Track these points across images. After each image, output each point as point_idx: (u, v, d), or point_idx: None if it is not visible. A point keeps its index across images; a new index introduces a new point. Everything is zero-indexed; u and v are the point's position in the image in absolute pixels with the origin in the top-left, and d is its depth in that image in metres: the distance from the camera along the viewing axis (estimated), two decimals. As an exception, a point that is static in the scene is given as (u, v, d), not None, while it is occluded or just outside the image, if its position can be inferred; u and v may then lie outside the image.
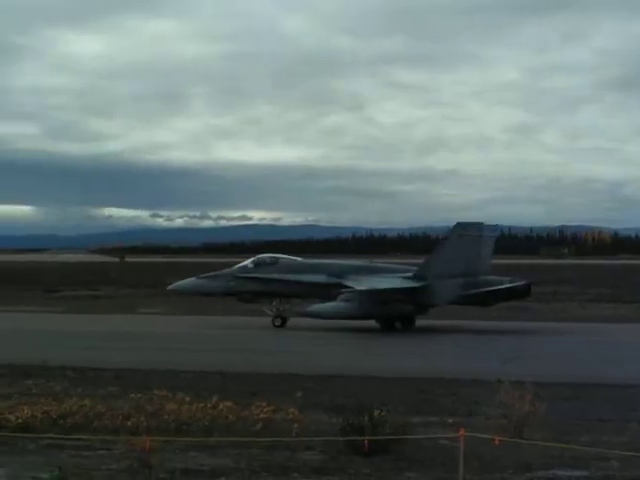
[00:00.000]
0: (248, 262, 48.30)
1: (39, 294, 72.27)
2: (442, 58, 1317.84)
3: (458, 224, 45.53)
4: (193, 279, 47.94)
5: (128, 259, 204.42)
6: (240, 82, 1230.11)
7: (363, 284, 44.03)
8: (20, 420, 17.99)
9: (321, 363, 29.90)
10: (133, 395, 21.60)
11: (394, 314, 44.64)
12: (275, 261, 48.24)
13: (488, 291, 44.36)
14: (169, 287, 50.02)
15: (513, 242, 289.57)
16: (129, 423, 18.15)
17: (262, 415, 19.29)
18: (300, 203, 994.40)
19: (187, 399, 20.75)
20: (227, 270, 48.07)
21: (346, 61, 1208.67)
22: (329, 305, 44.06)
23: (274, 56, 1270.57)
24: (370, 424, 15.99)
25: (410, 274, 46.07)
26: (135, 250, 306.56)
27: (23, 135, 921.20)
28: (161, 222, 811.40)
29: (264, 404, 20.21)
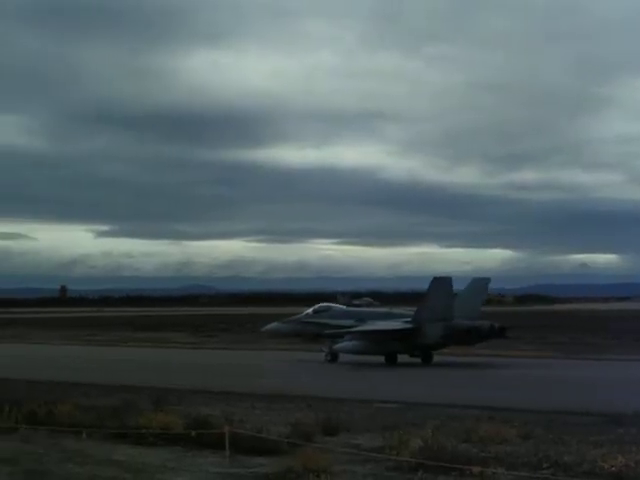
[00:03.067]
0: (310, 310, 59.89)
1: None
2: None
3: (434, 278, 54.19)
4: (276, 323, 60.78)
5: None
6: None
7: (364, 327, 54.64)
8: (614, 468, 17.98)
9: None
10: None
11: (391, 351, 53.55)
12: (328, 309, 59.78)
13: (461, 331, 52.51)
14: (262, 329, 63.30)
15: None
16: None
17: None
18: None
19: None
20: (296, 316, 60.11)
21: None
22: (345, 344, 53.99)
23: None
24: None
25: (409, 319, 54.72)
26: None
27: (607, 184, 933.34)
28: None
29: None
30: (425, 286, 55.55)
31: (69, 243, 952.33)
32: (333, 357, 54.88)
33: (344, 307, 63.39)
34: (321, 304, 61.99)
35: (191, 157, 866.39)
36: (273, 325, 60.83)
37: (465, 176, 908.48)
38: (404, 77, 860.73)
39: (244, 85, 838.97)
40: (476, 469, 17.81)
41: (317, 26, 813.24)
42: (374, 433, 23.24)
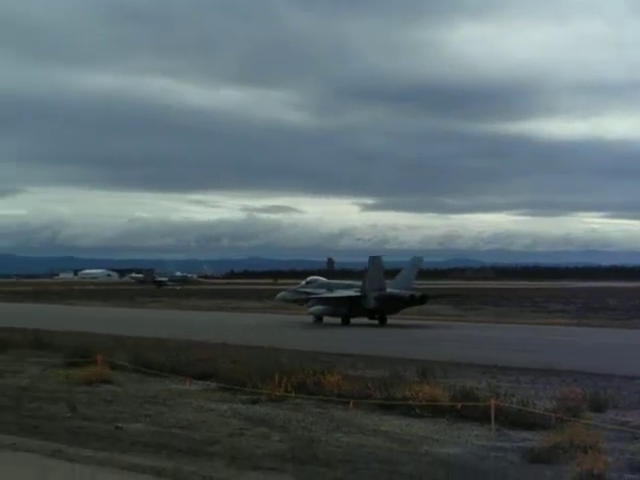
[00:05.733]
0: (303, 282, 74.35)
1: None
2: None
3: (370, 257, 67.98)
4: (283, 292, 75.38)
5: None
6: None
7: (324, 294, 68.08)
8: None
9: None
10: None
11: (343, 314, 65.91)
12: (314, 281, 73.74)
13: (388, 299, 64.88)
14: (276, 297, 76.98)
15: None
16: None
17: None
18: None
19: None
20: (295, 286, 74.86)
21: None
22: (313, 308, 67.81)
23: None
24: None
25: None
26: None
27: None
28: None
29: None
30: None
31: (336, 216, 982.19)
32: (318, 319, 67.29)
33: (325, 280, 75.61)
34: (311, 277, 77.36)
35: (456, 130, 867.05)
36: (281, 294, 75.38)
37: None
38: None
39: (510, 58, 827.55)
40: None
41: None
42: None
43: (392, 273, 74.03)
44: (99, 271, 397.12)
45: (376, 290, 64.90)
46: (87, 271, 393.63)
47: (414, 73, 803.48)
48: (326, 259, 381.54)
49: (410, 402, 22.48)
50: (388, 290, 65.79)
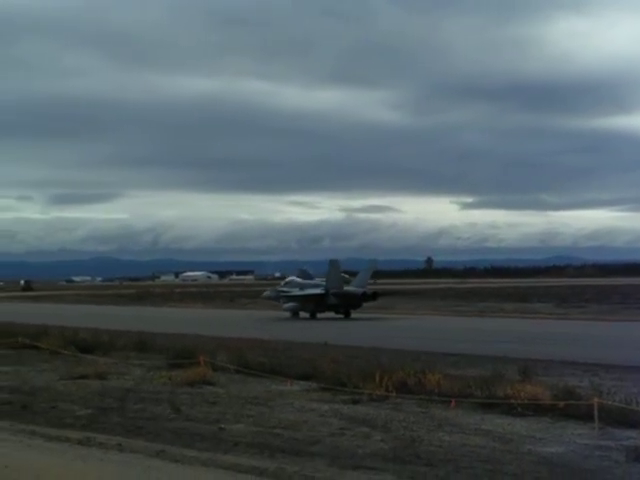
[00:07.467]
0: (282, 282, 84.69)
1: None
2: None
3: (330, 260, 78.81)
4: (267, 292, 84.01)
5: None
6: None
7: (294, 293, 77.45)
8: None
9: None
10: None
11: (310, 309, 75.55)
12: (290, 281, 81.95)
13: (343, 296, 75.19)
14: (261, 295, 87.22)
15: None
16: None
17: None
18: None
19: None
20: (276, 287, 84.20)
21: None
22: (286, 305, 77.46)
23: None
24: None
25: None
26: None
27: None
28: None
29: None
30: None
31: (435, 215, 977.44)
32: (294, 314, 75.89)
33: (301, 280, 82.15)
34: (289, 278, 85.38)
35: (555, 126, 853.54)
36: (266, 292, 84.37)
37: None
38: None
39: (607, 52, 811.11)
40: None
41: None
42: None
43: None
44: (199, 273, 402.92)
45: (335, 288, 74.87)
46: (188, 273, 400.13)
47: (513, 69, 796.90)
48: (425, 258, 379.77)
49: (512, 401, 22.26)
50: (345, 288, 76.14)
